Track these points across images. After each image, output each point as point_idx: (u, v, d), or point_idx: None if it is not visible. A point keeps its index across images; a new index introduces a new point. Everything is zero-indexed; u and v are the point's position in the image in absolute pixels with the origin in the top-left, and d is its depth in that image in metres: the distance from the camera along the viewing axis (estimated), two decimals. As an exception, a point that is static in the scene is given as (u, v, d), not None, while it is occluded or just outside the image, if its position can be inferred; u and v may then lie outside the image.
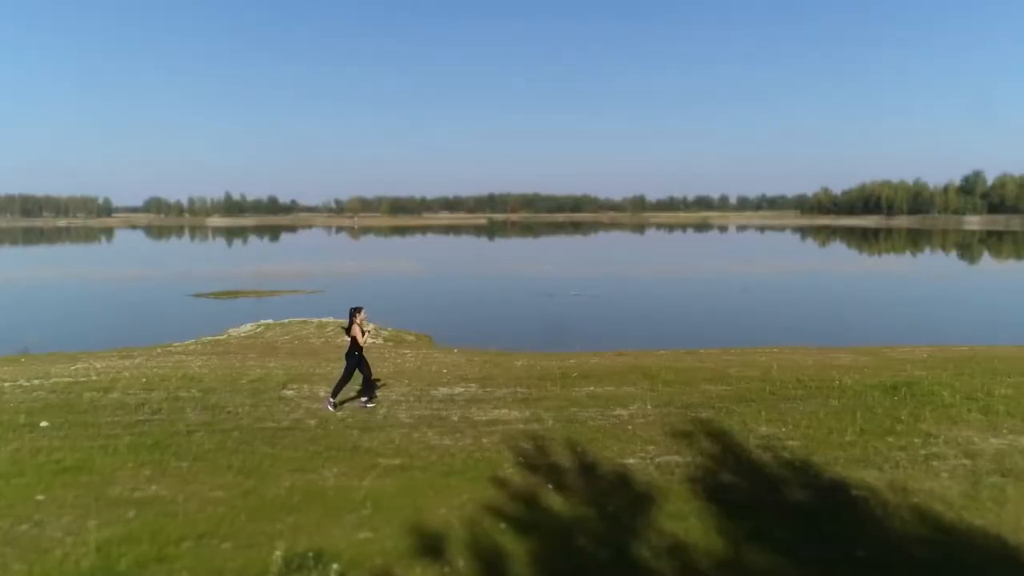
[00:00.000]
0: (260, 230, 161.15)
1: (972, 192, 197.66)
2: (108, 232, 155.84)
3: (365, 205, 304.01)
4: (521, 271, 49.47)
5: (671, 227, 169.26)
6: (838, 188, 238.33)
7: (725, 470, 7.80)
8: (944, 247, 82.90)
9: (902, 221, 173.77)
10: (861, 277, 45.17)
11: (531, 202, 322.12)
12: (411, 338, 20.93)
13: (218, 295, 33.11)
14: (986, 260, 64.94)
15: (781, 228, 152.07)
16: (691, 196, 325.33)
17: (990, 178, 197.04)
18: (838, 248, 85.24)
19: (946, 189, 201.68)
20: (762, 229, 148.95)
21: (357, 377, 10.87)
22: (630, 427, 9.46)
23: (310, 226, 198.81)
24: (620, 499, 6.93)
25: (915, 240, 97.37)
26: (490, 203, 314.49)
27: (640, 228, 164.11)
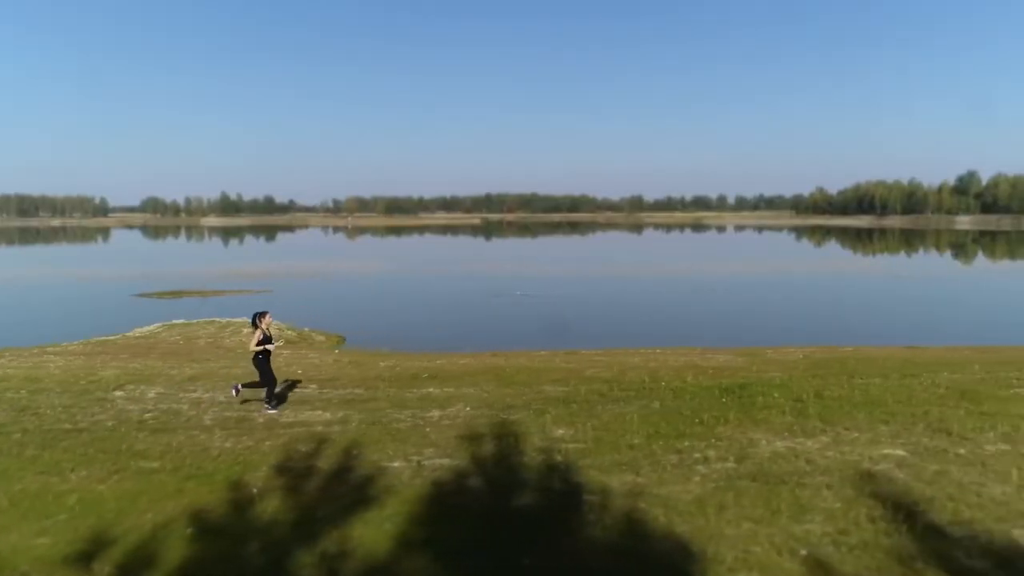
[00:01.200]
0: (254, 230, 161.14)
1: (966, 192, 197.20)
2: (104, 232, 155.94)
3: (362, 205, 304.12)
4: (485, 271, 49.29)
5: (668, 227, 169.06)
6: (836, 188, 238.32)
7: (481, 473, 7.62)
8: (924, 247, 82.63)
9: (894, 221, 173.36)
10: (824, 276, 44.90)
11: (528, 202, 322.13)
12: (320, 339, 20.76)
13: (161, 295, 32.96)
14: (952, 260, 64.68)
15: (777, 228, 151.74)
16: (689, 196, 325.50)
17: (985, 178, 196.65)
18: (814, 248, 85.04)
19: (940, 189, 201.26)
20: (759, 229, 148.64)
21: (244, 377, 10.84)
22: (428, 429, 9.28)
23: (306, 226, 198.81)
24: (339, 503, 6.75)
25: (900, 240, 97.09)
26: (487, 203, 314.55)
27: (636, 228, 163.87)
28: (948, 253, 72.95)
